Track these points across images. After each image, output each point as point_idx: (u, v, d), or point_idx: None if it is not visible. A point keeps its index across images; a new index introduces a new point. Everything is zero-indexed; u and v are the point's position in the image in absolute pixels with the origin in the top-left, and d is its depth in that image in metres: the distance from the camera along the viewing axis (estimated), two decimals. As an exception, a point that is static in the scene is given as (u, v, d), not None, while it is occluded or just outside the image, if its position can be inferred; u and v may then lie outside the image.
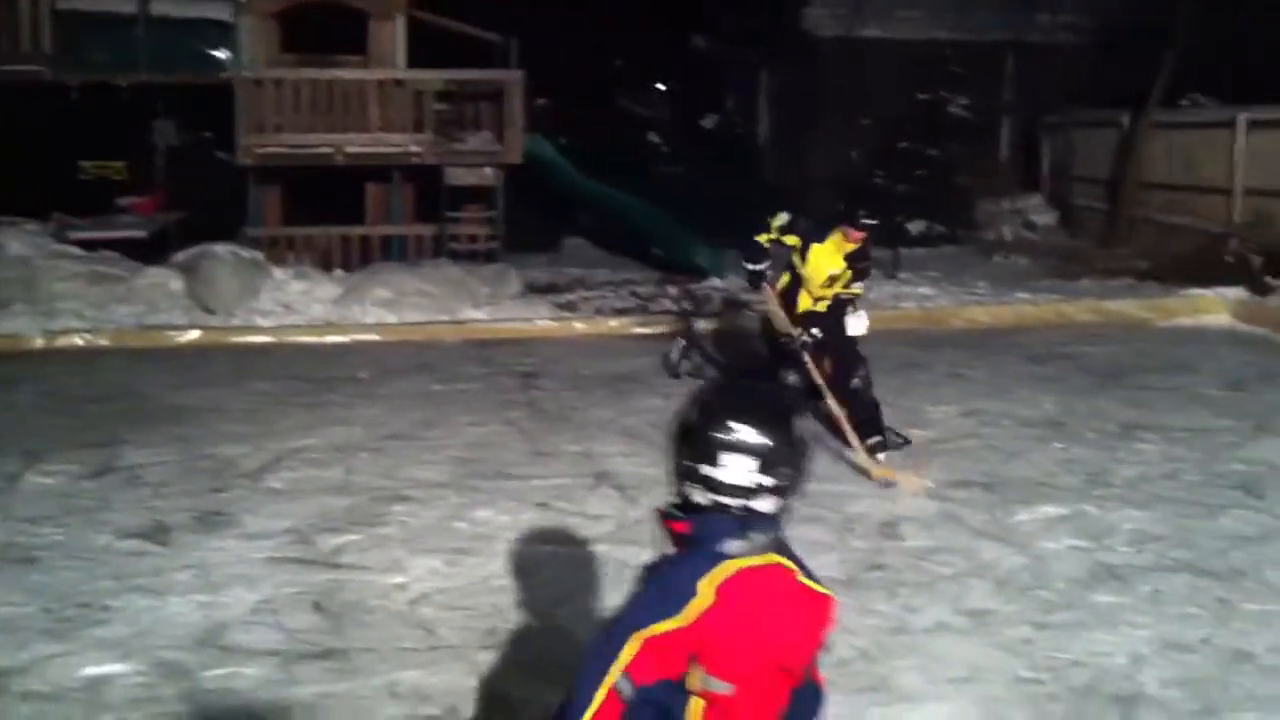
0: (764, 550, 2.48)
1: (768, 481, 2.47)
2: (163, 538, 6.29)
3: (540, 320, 12.70)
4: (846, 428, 7.35)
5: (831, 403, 7.43)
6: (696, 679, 2.43)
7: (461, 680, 4.72)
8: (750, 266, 7.84)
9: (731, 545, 2.45)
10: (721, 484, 2.47)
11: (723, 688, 2.43)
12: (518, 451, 7.91)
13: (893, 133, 18.67)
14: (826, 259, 7.61)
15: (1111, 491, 7.03)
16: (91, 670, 4.83)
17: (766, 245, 7.74)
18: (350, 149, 15.16)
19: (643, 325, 12.51)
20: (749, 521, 2.48)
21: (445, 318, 12.47)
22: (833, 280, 7.62)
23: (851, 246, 7.54)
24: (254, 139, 14.97)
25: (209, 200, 15.64)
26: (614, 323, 12.68)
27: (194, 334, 11.89)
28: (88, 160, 16.51)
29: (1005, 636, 5.16)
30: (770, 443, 2.48)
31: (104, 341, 11.66)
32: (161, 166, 16.70)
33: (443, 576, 5.78)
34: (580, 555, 5.88)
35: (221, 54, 16.13)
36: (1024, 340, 11.79)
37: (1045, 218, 18.79)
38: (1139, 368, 10.40)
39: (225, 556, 6.03)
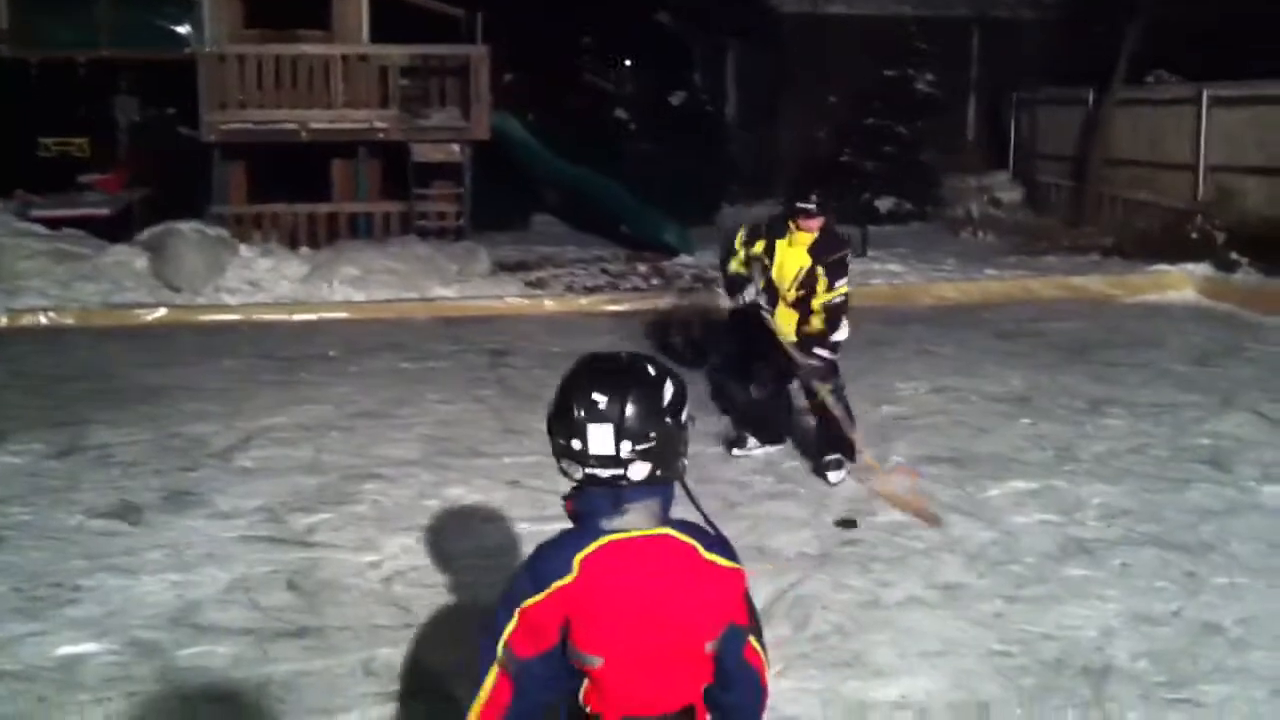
0: (648, 523, 2.48)
1: (632, 448, 2.45)
2: (133, 517, 6.25)
3: (510, 298, 12.66)
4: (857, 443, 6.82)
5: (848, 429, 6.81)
6: (571, 653, 2.45)
7: (436, 657, 4.71)
8: (737, 302, 6.97)
9: (607, 520, 2.46)
10: (589, 456, 2.46)
11: (591, 661, 2.45)
12: (489, 429, 7.90)
13: (860, 109, 18.72)
14: (790, 256, 6.77)
15: (1080, 466, 7.09)
16: (65, 650, 4.80)
17: (741, 270, 6.96)
18: (315, 125, 15.02)
19: (613, 303, 12.50)
20: (625, 493, 2.47)
21: (414, 295, 12.41)
22: (805, 281, 6.72)
23: (810, 236, 6.70)
24: (218, 115, 14.82)
25: (173, 178, 15.48)
26: (584, 300, 12.67)
27: (160, 312, 11.79)
28: (48, 137, 16.29)
29: (977, 610, 5.19)
30: (631, 410, 2.45)
31: (69, 320, 11.55)
32: (124, 144, 16.52)
33: (416, 554, 5.76)
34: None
35: (184, 30, 15.91)
36: (991, 317, 11.86)
37: (1012, 195, 18.90)
38: (1106, 343, 10.48)
39: (197, 535, 5.99)
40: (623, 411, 2.45)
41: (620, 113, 20.02)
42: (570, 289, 13.20)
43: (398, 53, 15.63)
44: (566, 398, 2.50)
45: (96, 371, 9.49)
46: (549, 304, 12.52)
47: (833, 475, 6.79)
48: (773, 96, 19.74)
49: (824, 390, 6.80)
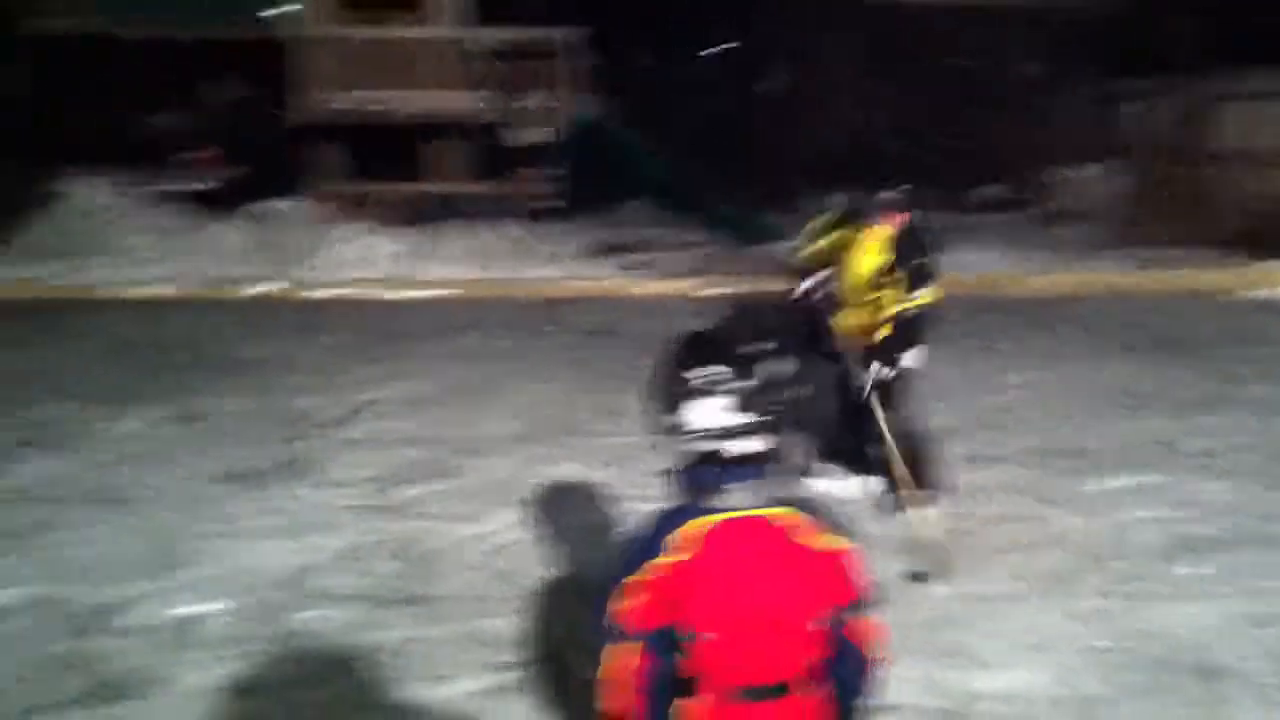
0: (757, 502, 2.50)
1: (739, 421, 2.47)
2: (247, 484, 6.45)
3: (606, 279, 12.73)
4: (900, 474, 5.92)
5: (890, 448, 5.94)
6: (678, 627, 2.48)
7: (540, 629, 4.79)
8: (795, 292, 6.22)
9: (715, 498, 2.48)
10: (695, 430, 2.48)
11: (698, 636, 2.48)
12: (586, 409, 7.97)
13: (955, 98, 18.50)
14: (866, 252, 5.96)
15: (1186, 462, 6.96)
16: (184, 609, 4.97)
17: (811, 261, 6.23)
18: (410, 106, 15.18)
19: (708, 286, 12.51)
20: (731, 471, 2.49)
21: (508, 276, 12.52)
22: (878, 283, 5.90)
23: (887, 232, 5.89)
24: (314, 96, 15.03)
25: (270, 156, 15.74)
26: (679, 283, 12.67)
27: (261, 288, 12.04)
28: (151, 114, 16.65)
29: (1080, 606, 5.15)
30: (735, 383, 2.48)
31: (176, 293, 11.83)
32: (224, 121, 16.82)
33: (518, 529, 5.85)
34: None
35: (283, 10, 16.16)
36: (1091, 309, 11.68)
37: (1111, 186, 18.54)
38: (1212, 339, 10.25)
39: (309, 504, 6.17)
40: (730, 387, 2.48)
41: (708, 98, 19.99)
42: (665, 272, 13.22)
43: (490, 36, 15.74)
44: (678, 371, 2.53)
45: (205, 343, 9.76)
46: (644, 286, 12.55)
47: (932, 511, 5.88)
48: (866, 84, 19.57)
49: (881, 415, 5.88)
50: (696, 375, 2.49)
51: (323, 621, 4.89)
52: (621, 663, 2.50)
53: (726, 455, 2.49)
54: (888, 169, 6.12)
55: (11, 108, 14.33)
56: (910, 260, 5.79)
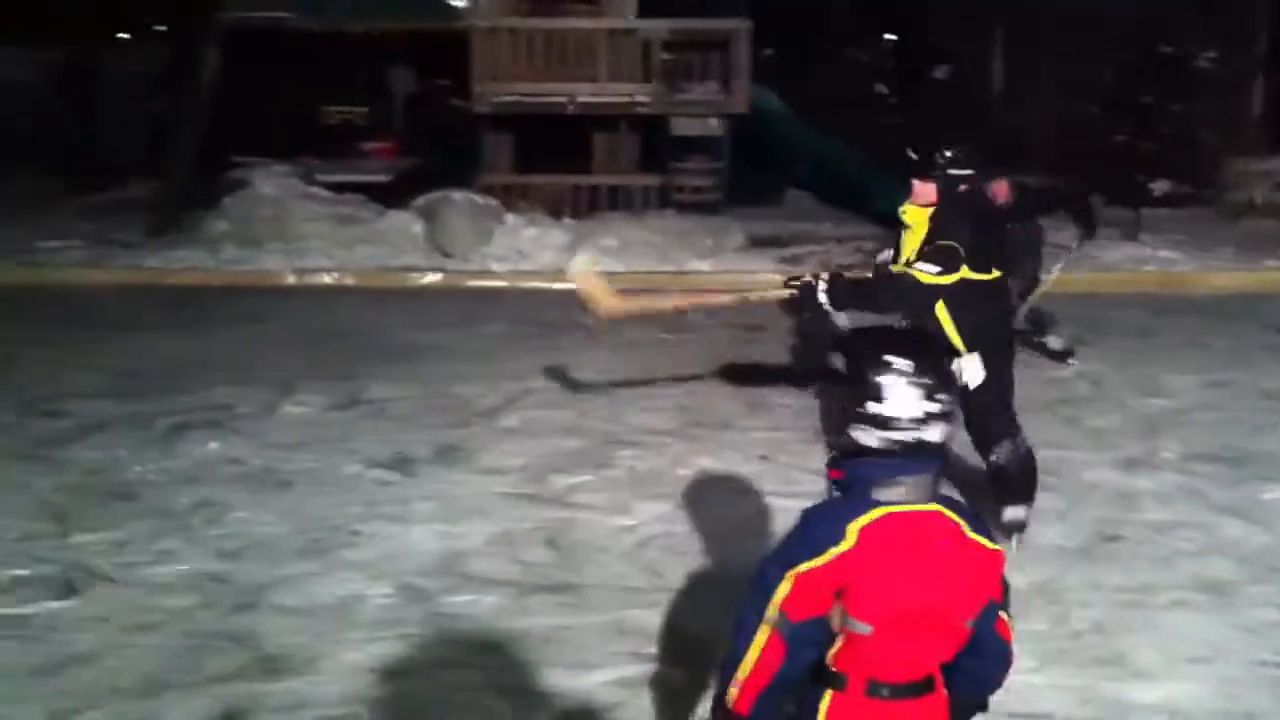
0: (921, 498, 2.50)
1: (934, 408, 2.50)
2: (406, 469, 6.64)
3: (763, 273, 12.66)
4: None
5: None
6: (837, 617, 2.48)
7: (685, 622, 4.81)
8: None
9: (883, 491, 2.49)
10: (891, 419, 2.49)
11: (861, 628, 2.47)
12: (740, 402, 7.96)
13: (1134, 85, 17.88)
14: (910, 239, 5.33)
15: (1363, 472, 6.62)
16: (341, 590, 5.14)
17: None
18: (581, 98, 15.34)
19: (863, 282, 12.34)
20: (905, 465, 2.50)
21: (669, 268, 12.58)
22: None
23: (920, 210, 5.23)
24: (488, 87, 15.30)
25: (443, 146, 16.11)
26: (838, 278, 12.54)
27: (432, 277, 12.37)
28: (330, 105, 17.19)
29: (1249, 617, 4.95)
30: (928, 371, 2.52)
31: (350, 281, 12.26)
32: (399, 112, 17.27)
33: (668, 521, 5.89)
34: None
35: (458, 2, 16.50)
36: (1273, 309, 11.15)
37: (1298, 179, 17.66)
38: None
39: (464, 489, 6.31)
40: (924, 374, 2.51)
41: (880, 87, 19.73)
42: (825, 266, 13.10)
43: (660, 26, 15.79)
44: (866, 364, 2.55)
45: (373, 330, 10.05)
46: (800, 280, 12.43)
47: (1015, 540, 5.44)
48: (1041, 72, 19.05)
49: None
50: (888, 365, 2.52)
51: (473, 606, 5.00)
52: (765, 650, 2.51)
53: (904, 445, 2.51)
54: (923, 137, 5.29)
55: (198, 97, 14.91)
56: (931, 252, 5.12)
